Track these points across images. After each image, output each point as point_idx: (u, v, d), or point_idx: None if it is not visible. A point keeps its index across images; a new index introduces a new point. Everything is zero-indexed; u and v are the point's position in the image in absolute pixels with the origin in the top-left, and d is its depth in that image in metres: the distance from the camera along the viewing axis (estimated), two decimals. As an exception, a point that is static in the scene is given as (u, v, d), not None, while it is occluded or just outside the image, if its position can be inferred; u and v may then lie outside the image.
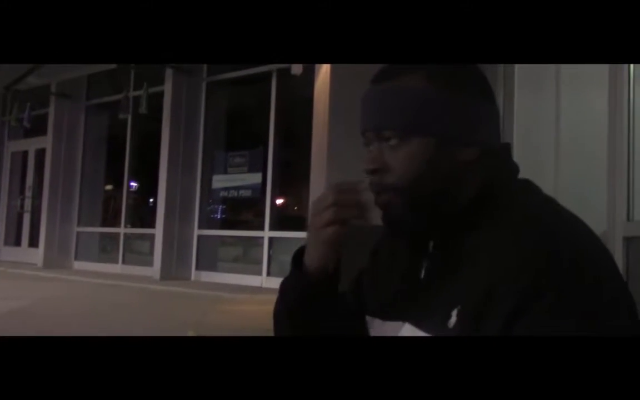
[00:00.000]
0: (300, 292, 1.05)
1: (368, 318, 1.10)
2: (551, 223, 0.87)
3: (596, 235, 0.88)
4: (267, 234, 8.67)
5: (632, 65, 2.97)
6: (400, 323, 0.99)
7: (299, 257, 1.07)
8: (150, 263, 9.52)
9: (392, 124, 0.96)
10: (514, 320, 0.80)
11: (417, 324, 0.95)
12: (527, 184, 0.98)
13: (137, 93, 10.07)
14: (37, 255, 11.13)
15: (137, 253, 10.54)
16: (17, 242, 12.43)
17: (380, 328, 1.04)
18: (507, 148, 1.01)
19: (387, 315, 1.03)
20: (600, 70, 3.00)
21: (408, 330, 0.96)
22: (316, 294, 1.03)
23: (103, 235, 11.30)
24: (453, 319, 0.87)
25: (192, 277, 9.39)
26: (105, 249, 11.13)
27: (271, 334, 1.11)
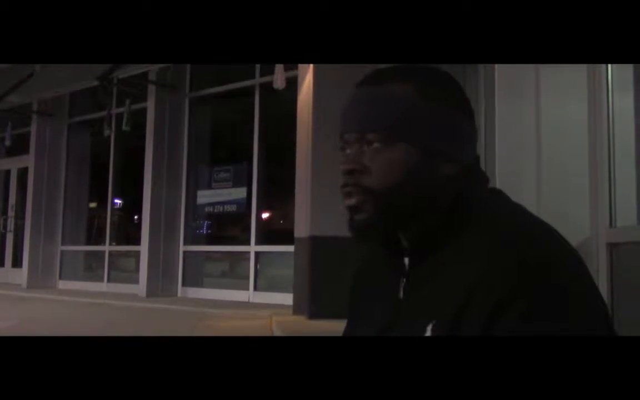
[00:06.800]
0: None
1: None
2: (520, 232, 0.88)
3: (564, 239, 0.89)
4: (253, 248, 8.64)
5: (610, 72, 3.02)
6: None
7: None
8: (136, 280, 9.45)
9: (378, 126, 0.95)
10: (487, 330, 0.81)
11: None
12: (497, 194, 0.99)
13: (119, 110, 10.04)
14: (21, 275, 11.00)
15: (123, 271, 10.46)
16: (0, 263, 12.29)
17: None
18: (477, 159, 1.02)
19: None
20: (579, 77, 3.05)
21: None
22: None
23: (88, 253, 11.21)
24: (427, 334, 0.88)
25: (179, 294, 9.34)
26: (90, 268, 11.03)
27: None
